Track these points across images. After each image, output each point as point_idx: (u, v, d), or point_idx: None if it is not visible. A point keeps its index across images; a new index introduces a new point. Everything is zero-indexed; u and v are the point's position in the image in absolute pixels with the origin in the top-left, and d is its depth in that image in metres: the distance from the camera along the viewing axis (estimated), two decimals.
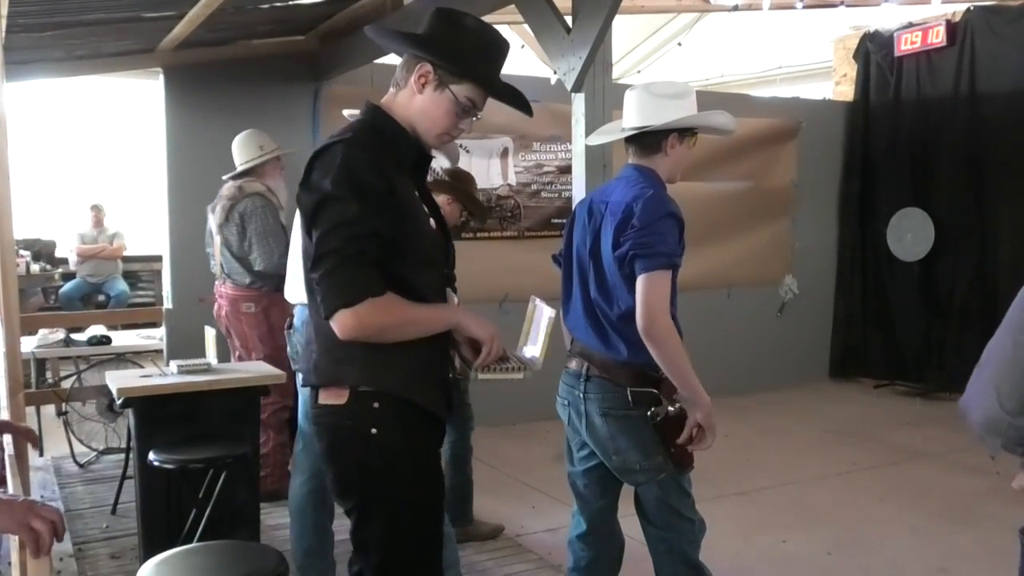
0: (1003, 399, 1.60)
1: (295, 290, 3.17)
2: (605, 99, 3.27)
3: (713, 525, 2.60)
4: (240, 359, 4.32)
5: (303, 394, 3.19)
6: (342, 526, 3.34)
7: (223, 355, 4.00)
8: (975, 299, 7.03)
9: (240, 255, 4.38)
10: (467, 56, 1.90)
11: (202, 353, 3.65)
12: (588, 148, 3.40)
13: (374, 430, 1.87)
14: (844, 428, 6.32)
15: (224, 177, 4.58)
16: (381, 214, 1.80)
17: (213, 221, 4.49)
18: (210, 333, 3.53)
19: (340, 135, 1.89)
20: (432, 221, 2.01)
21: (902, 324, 7.58)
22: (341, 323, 1.78)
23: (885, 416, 6.72)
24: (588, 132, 3.26)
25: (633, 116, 2.52)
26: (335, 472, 1.95)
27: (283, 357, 3.64)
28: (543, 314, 2.04)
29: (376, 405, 1.87)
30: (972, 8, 6.97)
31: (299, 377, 3.20)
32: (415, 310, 1.87)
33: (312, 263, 1.82)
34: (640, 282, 2.34)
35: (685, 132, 2.51)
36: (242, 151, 4.55)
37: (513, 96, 1.99)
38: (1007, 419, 1.64)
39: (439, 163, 3.66)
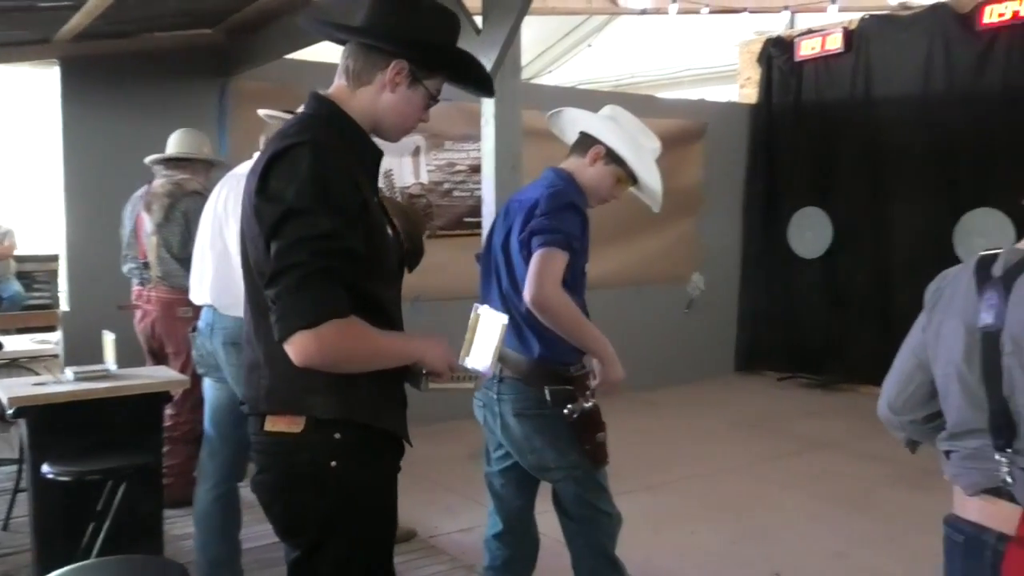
0: (890, 400, 1.80)
1: (199, 291, 3.08)
2: (515, 100, 3.27)
3: (623, 519, 2.64)
4: (180, 367, 4.10)
5: (211, 400, 3.10)
6: (251, 534, 3.29)
7: (123, 361, 3.84)
8: (872, 294, 7.31)
9: (183, 256, 4.04)
10: (441, 48, 1.80)
11: (101, 359, 3.50)
12: (498, 148, 3.40)
13: (334, 463, 1.69)
14: (749, 420, 6.50)
15: (150, 160, 4.34)
16: (355, 230, 1.63)
17: (148, 220, 4.23)
18: (109, 338, 3.39)
19: (297, 134, 1.68)
20: (390, 229, 1.83)
21: (803, 319, 7.82)
22: (300, 347, 1.57)
23: (788, 407, 6.94)
24: (498, 133, 3.26)
25: (589, 120, 2.58)
26: (283, 508, 1.77)
27: None
28: (494, 322, 1.94)
29: (337, 436, 1.70)
30: (867, 16, 7.25)
31: (207, 382, 3.11)
32: (380, 340, 1.69)
33: (269, 279, 1.60)
34: (534, 257, 2.35)
35: (615, 162, 2.54)
36: (183, 142, 4.34)
37: (480, 79, 1.90)
38: (896, 419, 1.76)
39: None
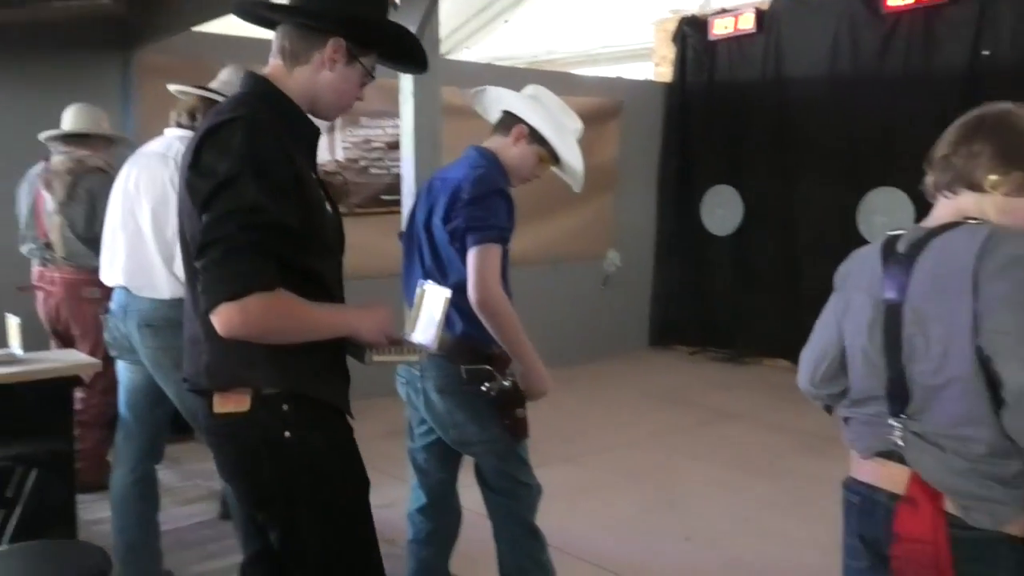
0: (810, 375, 1.90)
1: (111, 272, 3.01)
2: (435, 77, 3.26)
3: (542, 490, 2.70)
4: (88, 350, 3.96)
5: (126, 383, 3.04)
6: (168, 516, 3.26)
7: (28, 344, 3.72)
8: (780, 271, 7.50)
9: (89, 236, 3.94)
10: (378, 25, 1.84)
11: (5, 343, 3.39)
12: (417, 126, 3.40)
13: (287, 433, 1.72)
14: (662, 393, 6.64)
15: (45, 136, 4.16)
16: (287, 205, 1.64)
17: (49, 199, 4.07)
18: (13, 321, 3.28)
19: (231, 110, 1.70)
20: (328, 206, 1.86)
21: (714, 294, 7.98)
22: (225, 318, 1.59)
23: (699, 380, 7.11)
24: (417, 109, 3.26)
25: (512, 99, 2.62)
26: (248, 485, 1.80)
27: None
28: (437, 296, 1.97)
29: (286, 408, 1.72)
30: None
31: (121, 365, 3.05)
32: (310, 312, 1.70)
33: (197, 251, 1.62)
34: (471, 255, 2.40)
35: (537, 141, 2.58)
36: (81, 118, 4.16)
37: (415, 54, 1.93)
38: (815, 391, 1.87)
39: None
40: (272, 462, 1.73)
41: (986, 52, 6.16)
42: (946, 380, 1.59)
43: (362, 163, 6.28)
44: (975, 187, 1.67)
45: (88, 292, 4.04)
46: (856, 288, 1.79)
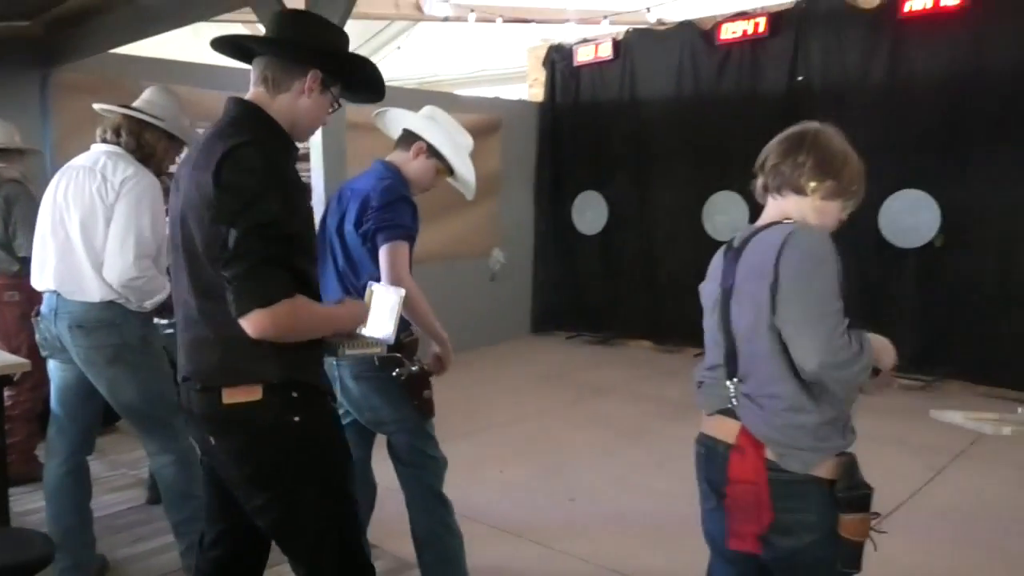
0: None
1: (41, 278, 2.85)
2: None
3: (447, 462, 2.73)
4: (10, 351, 3.74)
5: (57, 381, 2.89)
6: (99, 503, 3.12)
7: None
8: (640, 265, 7.69)
9: (4, 242, 3.80)
10: (350, 59, 1.88)
11: None
12: (325, 141, 3.36)
13: (297, 418, 1.74)
14: (545, 373, 6.72)
15: None
16: (298, 218, 1.70)
17: None
18: None
19: (239, 135, 1.71)
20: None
21: (586, 285, 8.08)
22: (256, 322, 1.63)
23: (576, 361, 7.21)
24: (324, 132, 3.20)
25: (412, 119, 2.64)
26: (254, 467, 1.77)
27: None
28: (388, 295, 2.00)
29: (295, 394, 1.75)
30: (631, 30, 7.58)
31: (52, 364, 2.89)
32: (319, 313, 1.78)
33: (227, 261, 1.64)
34: (383, 252, 2.43)
35: (435, 156, 2.61)
36: None
37: (375, 85, 1.95)
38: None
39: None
40: (283, 443, 1.75)
41: (800, 77, 6.51)
42: (757, 349, 1.72)
43: None
44: (799, 191, 1.79)
45: (8, 296, 3.84)
46: (710, 279, 1.91)
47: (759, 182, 1.87)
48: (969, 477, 4.25)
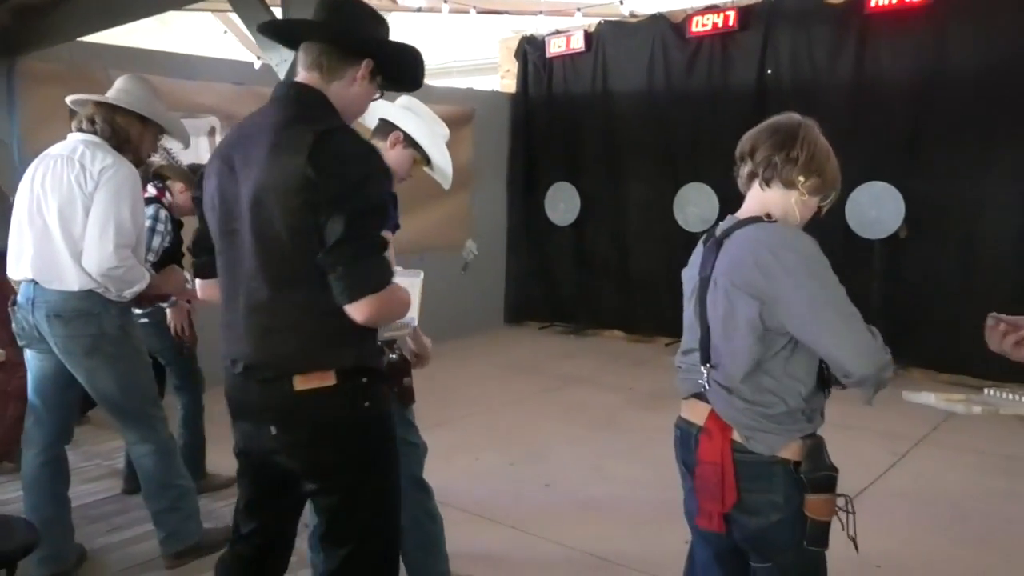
0: None
1: (18, 267, 2.85)
2: None
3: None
4: None
5: (35, 371, 2.89)
6: (74, 494, 3.11)
7: None
8: (612, 256, 7.77)
9: None
10: (401, 51, 1.88)
11: None
12: None
13: (367, 403, 1.76)
14: (518, 363, 6.77)
15: None
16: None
17: None
18: None
19: (321, 120, 1.71)
20: None
21: (559, 276, 8.15)
22: (367, 308, 1.64)
23: (549, 351, 7.28)
24: None
25: (388, 108, 2.64)
26: (323, 453, 1.76)
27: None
28: (411, 279, 2.02)
29: (364, 380, 1.76)
30: (603, 22, 7.62)
31: (29, 354, 2.88)
32: (403, 296, 1.80)
33: (333, 247, 1.62)
34: None
35: (412, 146, 2.62)
36: None
37: (417, 76, 1.96)
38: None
39: (172, 143, 3.41)
40: (357, 429, 1.77)
41: (769, 71, 6.63)
42: (729, 340, 1.76)
43: None
44: (789, 185, 1.82)
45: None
46: (691, 266, 1.95)
47: (745, 170, 1.88)
48: (929, 463, 4.40)
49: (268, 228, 1.69)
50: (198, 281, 2.00)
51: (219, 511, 3.58)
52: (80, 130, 2.86)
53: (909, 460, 4.42)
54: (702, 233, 1.96)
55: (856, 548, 1.79)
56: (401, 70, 1.92)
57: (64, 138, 2.90)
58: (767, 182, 1.84)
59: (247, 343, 1.77)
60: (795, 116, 1.87)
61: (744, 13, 6.72)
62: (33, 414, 2.92)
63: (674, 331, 2.00)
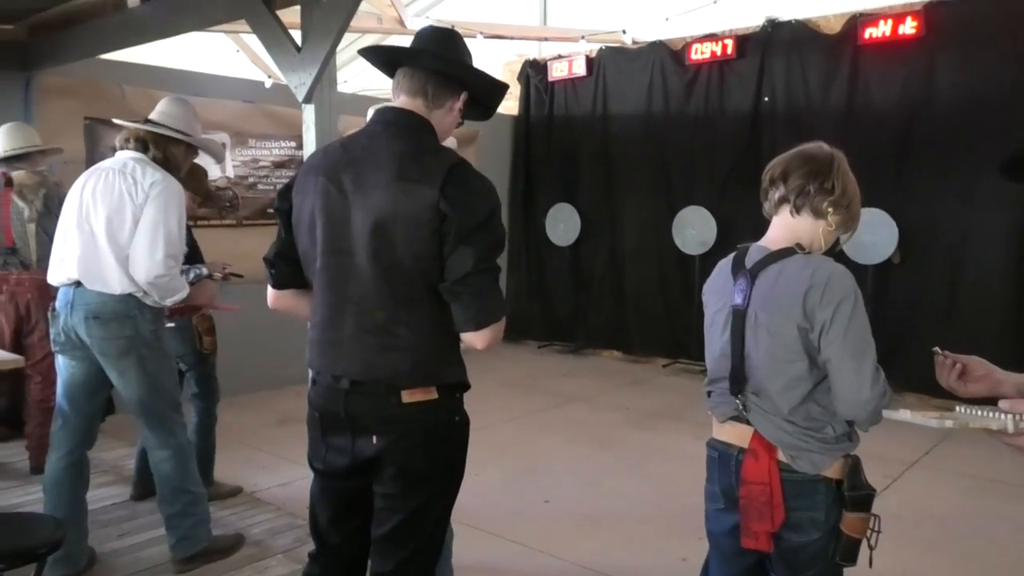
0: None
1: (60, 271, 2.98)
2: (332, 109, 3.37)
3: None
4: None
5: (66, 377, 2.99)
6: (89, 497, 3.19)
7: None
8: (610, 275, 7.87)
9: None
10: (494, 85, 1.94)
11: None
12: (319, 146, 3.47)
13: (457, 417, 1.86)
14: (517, 381, 6.82)
15: None
16: None
17: (26, 208, 3.97)
18: None
19: (446, 151, 1.80)
20: None
21: (557, 295, 8.23)
22: (492, 334, 1.76)
23: (547, 369, 7.34)
24: (318, 139, 3.35)
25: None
26: (423, 459, 1.83)
27: None
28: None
29: (458, 395, 1.87)
30: (604, 48, 7.77)
31: (62, 360, 2.99)
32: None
33: (462, 276, 1.71)
34: None
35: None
36: (24, 136, 4.08)
37: (493, 106, 2.02)
38: None
39: (203, 160, 3.57)
40: (450, 440, 1.87)
41: (766, 98, 6.77)
42: (773, 378, 1.79)
43: (251, 179, 6.21)
44: (819, 214, 1.83)
45: (53, 291, 3.93)
46: (715, 292, 1.96)
47: (776, 194, 1.88)
48: (921, 485, 4.49)
49: (389, 253, 1.74)
50: (272, 291, 2.00)
51: (226, 519, 3.66)
52: (128, 148, 3.01)
53: (902, 482, 4.51)
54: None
55: (870, 563, 1.84)
56: (487, 103, 1.99)
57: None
58: (798, 209, 1.85)
59: (357, 361, 1.82)
60: (826, 146, 1.89)
61: (741, 42, 6.89)
62: (61, 417, 3.02)
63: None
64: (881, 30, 6.11)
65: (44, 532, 2.05)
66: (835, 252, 1.91)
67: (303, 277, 1.92)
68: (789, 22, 6.64)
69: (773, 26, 6.71)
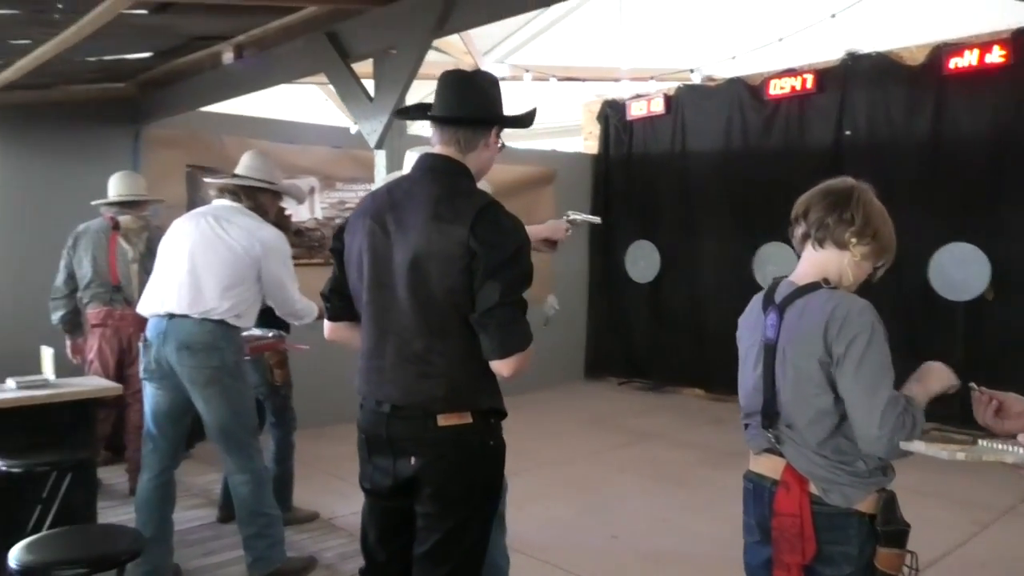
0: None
1: (152, 303, 3.25)
2: (401, 154, 3.57)
3: None
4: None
5: (152, 405, 3.23)
6: (179, 518, 3.42)
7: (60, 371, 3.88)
8: (690, 312, 7.79)
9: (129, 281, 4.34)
10: (524, 116, 2.08)
11: (33, 370, 3.53)
12: None
13: (492, 442, 1.96)
14: (595, 417, 6.84)
15: (102, 202, 4.45)
16: None
17: (129, 250, 4.37)
18: (47, 352, 3.45)
19: (479, 193, 1.92)
20: None
21: (637, 332, 8.21)
22: (516, 363, 1.85)
23: (625, 407, 7.32)
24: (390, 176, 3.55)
25: None
26: (458, 482, 1.93)
27: None
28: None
29: (492, 421, 1.97)
30: (682, 86, 7.81)
31: (149, 388, 3.23)
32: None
33: (490, 308, 1.83)
34: None
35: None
36: (135, 184, 4.49)
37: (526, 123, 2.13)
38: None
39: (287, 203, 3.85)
40: (484, 463, 1.98)
41: (848, 132, 6.66)
42: (802, 411, 1.80)
43: (338, 221, 6.46)
44: (841, 246, 1.84)
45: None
46: (747, 327, 1.99)
47: (799, 231, 1.91)
48: (1013, 534, 4.23)
49: (424, 288, 1.88)
50: (328, 323, 2.15)
51: (301, 542, 3.83)
52: (223, 197, 3.36)
53: (993, 530, 4.28)
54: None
55: None
56: (518, 126, 2.11)
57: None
58: (820, 242, 1.86)
59: (397, 387, 1.95)
60: (849, 179, 1.90)
61: (821, 76, 6.80)
62: (151, 442, 3.28)
63: None
64: (967, 60, 5.93)
65: (125, 542, 2.24)
66: (870, 283, 1.91)
67: (355, 311, 2.06)
68: (869, 54, 6.52)
69: (853, 59, 6.61)
